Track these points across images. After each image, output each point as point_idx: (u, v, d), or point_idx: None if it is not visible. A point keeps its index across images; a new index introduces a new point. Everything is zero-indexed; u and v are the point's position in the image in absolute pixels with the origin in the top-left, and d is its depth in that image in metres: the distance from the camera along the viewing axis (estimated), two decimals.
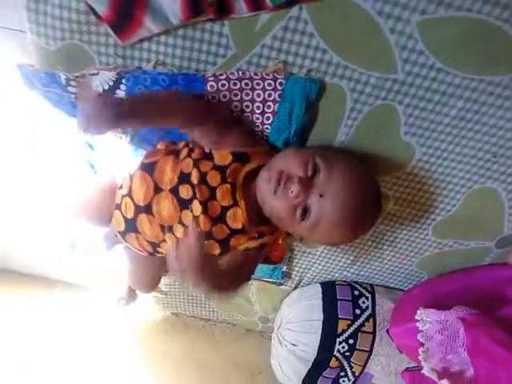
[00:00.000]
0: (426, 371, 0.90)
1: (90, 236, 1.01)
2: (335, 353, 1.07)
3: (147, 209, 0.78)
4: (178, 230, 0.78)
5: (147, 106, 0.72)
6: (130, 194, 0.79)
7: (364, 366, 1.09)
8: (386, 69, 0.69)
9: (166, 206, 0.77)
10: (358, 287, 1.14)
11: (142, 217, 0.79)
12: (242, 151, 0.77)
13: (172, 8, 0.65)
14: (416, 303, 0.97)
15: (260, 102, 0.76)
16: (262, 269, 1.14)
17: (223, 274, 0.77)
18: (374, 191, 0.77)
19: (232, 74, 0.73)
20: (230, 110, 0.79)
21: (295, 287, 1.24)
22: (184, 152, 0.79)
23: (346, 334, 1.07)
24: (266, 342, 1.50)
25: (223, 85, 0.74)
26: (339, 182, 0.70)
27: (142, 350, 1.50)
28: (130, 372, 1.43)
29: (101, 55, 0.73)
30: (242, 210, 0.77)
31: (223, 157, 0.77)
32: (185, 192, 0.76)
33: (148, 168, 0.78)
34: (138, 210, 0.79)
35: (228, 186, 0.76)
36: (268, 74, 0.72)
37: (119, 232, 0.83)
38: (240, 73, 0.73)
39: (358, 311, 1.09)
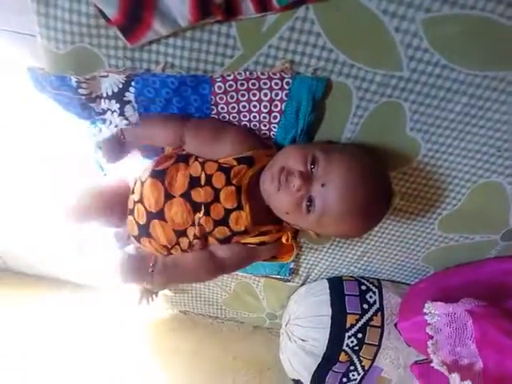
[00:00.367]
0: (435, 364, 0.91)
1: (98, 237, 1.02)
2: (344, 347, 1.09)
3: (159, 215, 0.80)
4: (191, 233, 0.80)
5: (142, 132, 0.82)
6: (141, 201, 0.81)
7: (373, 360, 1.10)
8: (392, 67, 0.70)
9: (178, 211, 0.78)
10: (365, 282, 1.16)
11: (155, 222, 0.80)
12: (247, 155, 0.78)
13: (180, 10, 0.66)
14: (423, 297, 0.98)
15: (267, 101, 0.77)
16: (269, 266, 1.15)
17: (173, 270, 0.83)
18: (379, 180, 0.76)
19: (239, 74, 0.74)
20: (221, 120, 0.81)
21: (302, 283, 1.25)
22: (193, 156, 0.81)
23: (354, 329, 1.08)
24: (274, 338, 1.51)
25: (230, 85, 0.75)
26: (339, 171, 0.70)
27: (151, 349, 1.51)
28: (140, 371, 1.45)
29: (110, 58, 0.74)
30: (247, 213, 0.78)
31: (228, 160, 0.78)
32: (197, 195, 0.77)
33: (159, 175, 0.79)
34: (151, 216, 0.80)
35: (233, 188, 0.77)
36: (275, 74, 0.73)
37: (133, 236, 0.85)
38: (247, 73, 0.74)
39: (365, 306, 1.10)
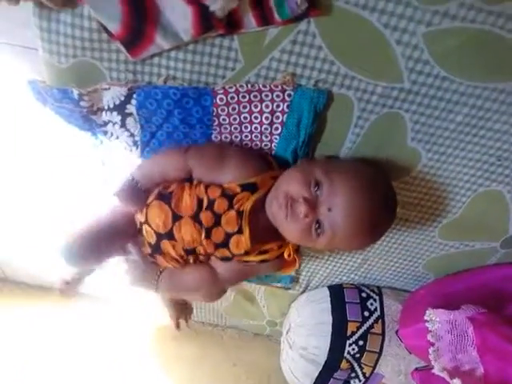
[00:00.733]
0: (437, 370, 0.91)
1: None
2: (345, 355, 1.09)
3: (169, 235, 0.80)
4: (203, 247, 0.81)
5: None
6: (147, 222, 0.81)
7: (374, 367, 1.11)
8: (393, 78, 0.70)
9: (187, 230, 0.79)
10: (366, 289, 1.16)
11: (165, 242, 0.81)
12: (250, 182, 0.78)
13: (183, 25, 0.66)
14: (424, 304, 0.98)
15: (269, 112, 0.78)
16: (270, 274, 1.15)
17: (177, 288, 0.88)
18: (383, 192, 0.76)
19: (241, 86, 0.74)
20: (223, 145, 0.82)
21: (303, 291, 1.25)
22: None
23: (355, 336, 1.08)
24: (274, 345, 1.51)
25: (232, 97, 0.76)
26: (343, 192, 0.70)
27: (152, 357, 1.51)
28: (142, 378, 1.45)
29: (112, 71, 0.74)
30: (246, 237, 0.78)
31: (232, 187, 0.78)
32: (203, 217, 0.78)
33: (164, 198, 0.79)
34: (160, 237, 0.81)
35: (234, 213, 0.77)
36: (276, 86, 0.74)
37: (147, 254, 0.86)
38: (249, 85, 0.74)
39: (366, 313, 1.11)
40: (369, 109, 0.75)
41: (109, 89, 0.76)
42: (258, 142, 0.83)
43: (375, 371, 1.12)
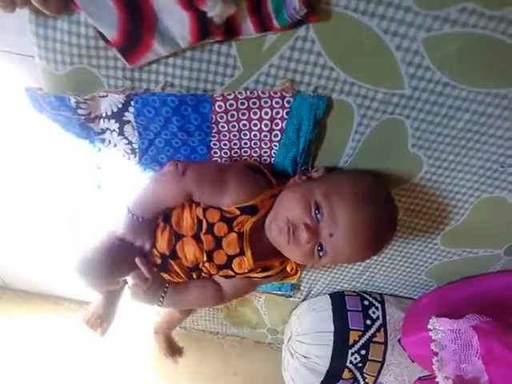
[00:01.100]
0: (440, 380, 0.90)
1: None
2: (348, 364, 1.07)
3: (173, 255, 0.81)
4: (205, 268, 0.82)
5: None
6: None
7: (377, 377, 1.09)
8: (393, 84, 0.69)
9: (190, 249, 0.79)
10: (368, 297, 1.15)
11: (170, 262, 0.82)
12: (250, 205, 0.77)
13: (180, 31, 0.66)
14: (427, 312, 0.97)
15: (268, 119, 0.77)
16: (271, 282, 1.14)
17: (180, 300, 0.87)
18: (384, 208, 0.76)
19: (240, 93, 0.73)
20: (220, 167, 0.80)
21: (304, 299, 1.24)
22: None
23: (357, 345, 1.07)
24: (275, 353, 1.50)
25: (231, 104, 0.75)
26: (343, 218, 0.70)
27: (152, 365, 1.49)
28: None
29: (109, 78, 0.74)
30: (248, 258, 0.78)
31: (231, 210, 0.77)
32: (205, 241, 0.78)
33: (165, 219, 0.79)
34: (165, 257, 0.82)
35: (235, 235, 0.77)
36: (276, 93, 0.73)
37: (157, 270, 0.85)
38: (248, 92, 0.73)
39: (368, 322, 1.09)
40: (369, 115, 0.74)
41: (106, 96, 0.76)
42: (257, 149, 0.83)
43: (378, 381, 1.10)
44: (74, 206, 1.09)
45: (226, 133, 0.80)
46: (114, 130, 0.81)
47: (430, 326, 0.92)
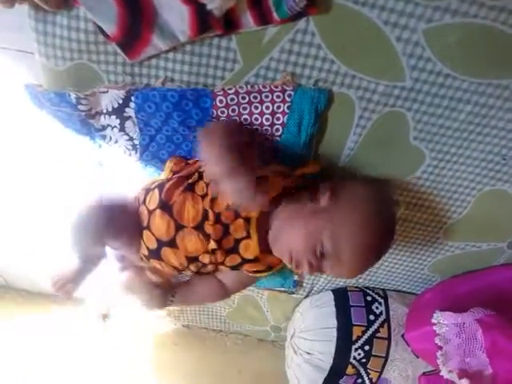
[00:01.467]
0: (445, 374, 0.90)
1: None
2: (351, 360, 1.07)
3: (171, 243, 0.79)
4: (205, 259, 0.81)
5: None
6: (149, 227, 0.80)
7: (381, 372, 1.09)
8: (394, 76, 0.69)
9: (191, 240, 0.78)
10: (371, 293, 1.14)
11: (166, 250, 0.80)
12: None
13: (180, 25, 0.65)
14: (431, 306, 0.97)
15: (269, 114, 0.76)
16: (273, 279, 1.13)
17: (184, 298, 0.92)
18: (389, 234, 0.80)
19: (241, 87, 0.73)
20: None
21: (307, 295, 1.23)
22: (200, 186, 0.78)
23: (361, 341, 1.07)
24: (278, 350, 1.49)
25: (232, 99, 0.74)
26: (348, 257, 0.73)
27: (155, 363, 1.49)
28: None
29: (109, 74, 0.74)
30: (254, 242, 0.78)
31: None
32: (208, 228, 0.77)
33: (167, 208, 0.78)
34: (161, 244, 0.80)
35: (242, 220, 0.77)
36: (276, 87, 0.73)
37: (143, 255, 0.85)
38: (248, 86, 0.73)
39: (371, 317, 1.09)
40: (370, 108, 0.74)
41: (107, 92, 0.75)
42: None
43: (382, 376, 1.10)
44: (76, 203, 1.08)
45: None
46: (114, 127, 0.81)
47: (433, 320, 0.91)
